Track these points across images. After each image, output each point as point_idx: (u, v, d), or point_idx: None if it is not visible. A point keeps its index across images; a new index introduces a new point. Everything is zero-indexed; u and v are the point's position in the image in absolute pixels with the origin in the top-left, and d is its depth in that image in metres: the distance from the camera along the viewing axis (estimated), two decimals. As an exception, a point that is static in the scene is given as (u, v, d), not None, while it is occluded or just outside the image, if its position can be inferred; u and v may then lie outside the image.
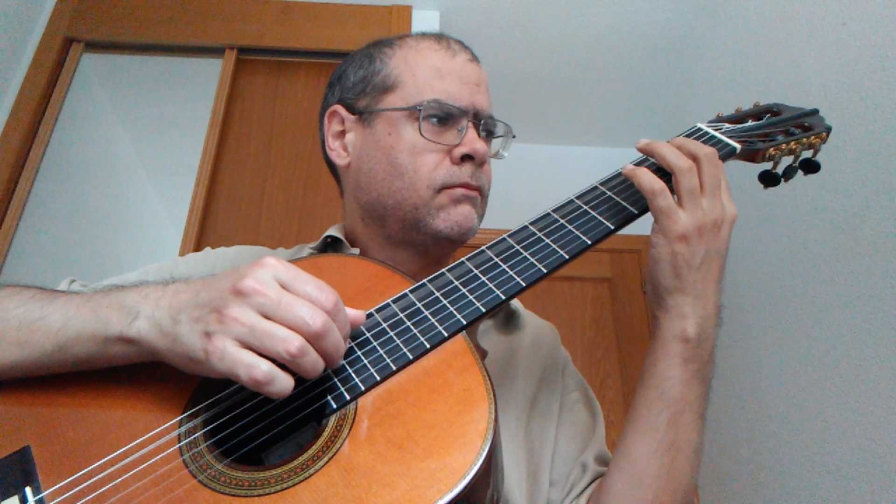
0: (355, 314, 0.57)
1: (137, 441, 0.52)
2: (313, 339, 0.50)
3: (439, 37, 0.83)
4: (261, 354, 0.49)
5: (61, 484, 0.50)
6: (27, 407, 0.56)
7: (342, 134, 0.83)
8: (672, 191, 0.65)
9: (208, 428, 0.54)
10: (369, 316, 0.60)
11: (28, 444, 0.53)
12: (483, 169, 0.79)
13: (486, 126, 0.81)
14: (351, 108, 0.82)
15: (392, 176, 0.77)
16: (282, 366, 0.50)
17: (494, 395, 0.52)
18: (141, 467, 0.51)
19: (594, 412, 0.81)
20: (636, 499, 0.64)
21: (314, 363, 0.51)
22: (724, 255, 0.65)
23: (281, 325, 0.50)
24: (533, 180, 2.42)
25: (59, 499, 0.49)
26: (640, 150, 0.70)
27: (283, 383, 0.49)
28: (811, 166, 0.77)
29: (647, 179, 0.64)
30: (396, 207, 0.77)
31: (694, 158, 0.65)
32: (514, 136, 0.87)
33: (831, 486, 1.45)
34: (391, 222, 0.78)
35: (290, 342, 0.49)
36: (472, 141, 0.76)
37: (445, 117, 0.77)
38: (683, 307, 0.63)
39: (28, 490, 0.50)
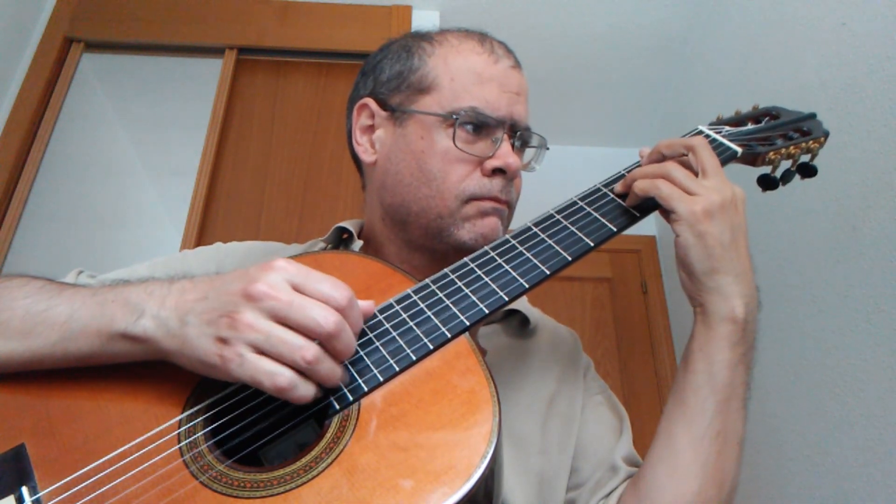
0: (365, 305, 0.57)
1: (137, 441, 0.52)
2: (326, 339, 0.50)
3: (483, 38, 0.80)
4: (276, 359, 0.50)
5: (59, 483, 0.49)
6: (22, 402, 0.55)
7: (371, 129, 0.80)
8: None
9: (209, 428, 0.54)
10: (373, 316, 0.59)
11: (23, 442, 0.52)
12: (513, 182, 0.77)
13: (521, 137, 0.79)
14: (383, 104, 0.79)
15: (420, 182, 0.74)
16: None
17: (498, 397, 0.52)
18: (141, 467, 0.50)
19: (620, 415, 0.79)
20: (680, 491, 0.61)
21: (330, 371, 0.51)
22: (747, 233, 0.64)
23: (295, 332, 0.50)
24: (533, 180, 2.41)
25: (57, 499, 0.49)
26: (642, 158, 0.71)
27: (305, 388, 0.50)
28: (809, 170, 0.78)
29: (645, 183, 0.65)
30: (421, 214, 0.74)
31: (688, 148, 0.67)
32: (547, 149, 0.84)
33: (831, 486, 1.45)
34: (413, 228, 0.76)
35: (306, 350, 0.49)
36: (505, 154, 0.74)
37: (481, 126, 0.74)
38: (728, 287, 0.61)
39: (24, 489, 0.49)
